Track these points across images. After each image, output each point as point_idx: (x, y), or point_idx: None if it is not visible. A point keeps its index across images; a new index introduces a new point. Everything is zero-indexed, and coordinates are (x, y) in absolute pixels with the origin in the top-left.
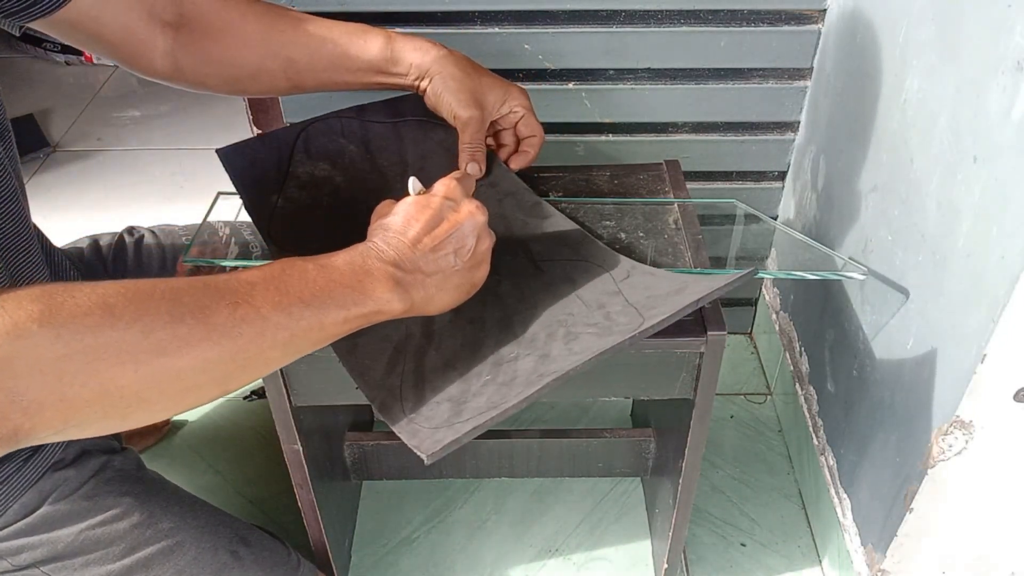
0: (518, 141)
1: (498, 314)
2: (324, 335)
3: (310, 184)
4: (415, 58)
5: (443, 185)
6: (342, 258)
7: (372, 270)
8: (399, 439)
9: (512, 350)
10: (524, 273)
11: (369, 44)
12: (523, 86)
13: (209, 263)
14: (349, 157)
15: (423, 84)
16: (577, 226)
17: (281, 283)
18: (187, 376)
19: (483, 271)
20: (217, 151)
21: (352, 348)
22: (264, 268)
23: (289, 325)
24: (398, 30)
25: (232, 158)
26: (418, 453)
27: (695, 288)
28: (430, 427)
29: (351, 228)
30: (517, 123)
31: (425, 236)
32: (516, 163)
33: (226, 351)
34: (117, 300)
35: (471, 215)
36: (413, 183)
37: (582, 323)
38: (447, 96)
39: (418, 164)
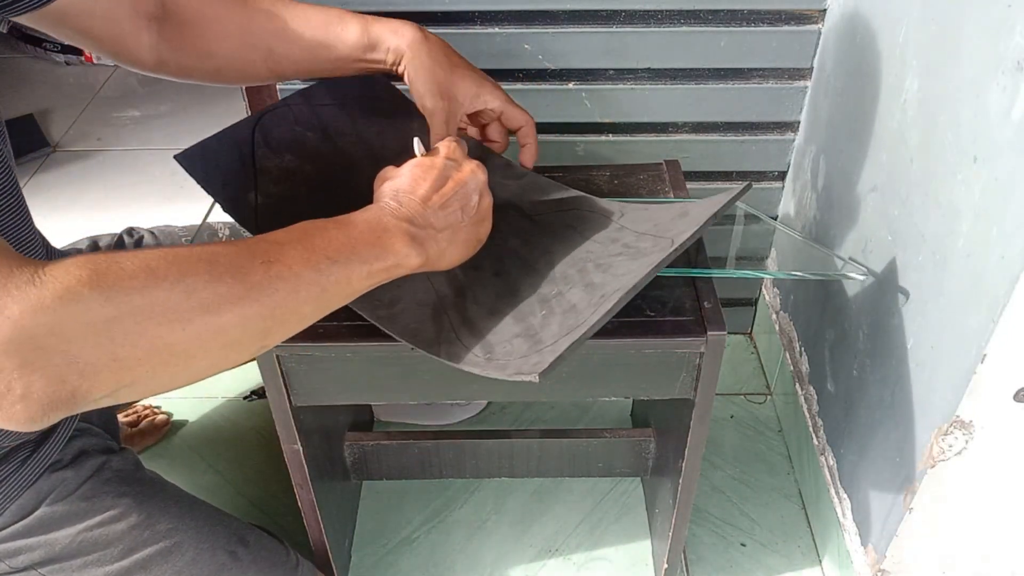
0: (506, 132)
1: (518, 264)
2: (351, 289)
3: (283, 177)
4: (392, 42)
5: (445, 146)
6: (360, 217)
7: (389, 227)
8: (399, 439)
9: (550, 288)
10: (525, 228)
11: (347, 31)
12: (523, 86)
13: None
14: (311, 144)
15: (400, 68)
16: (552, 180)
17: (308, 242)
18: (229, 332)
19: (487, 226)
20: (175, 157)
21: (392, 317)
22: (289, 230)
23: (319, 280)
24: None
25: (193, 161)
26: (521, 379)
27: (697, 210)
28: (517, 358)
29: (336, 211)
30: (499, 116)
31: (434, 194)
32: (526, 160)
33: (264, 307)
34: (159, 263)
35: (473, 173)
36: (418, 145)
37: (606, 255)
38: (417, 84)
39: (378, 142)
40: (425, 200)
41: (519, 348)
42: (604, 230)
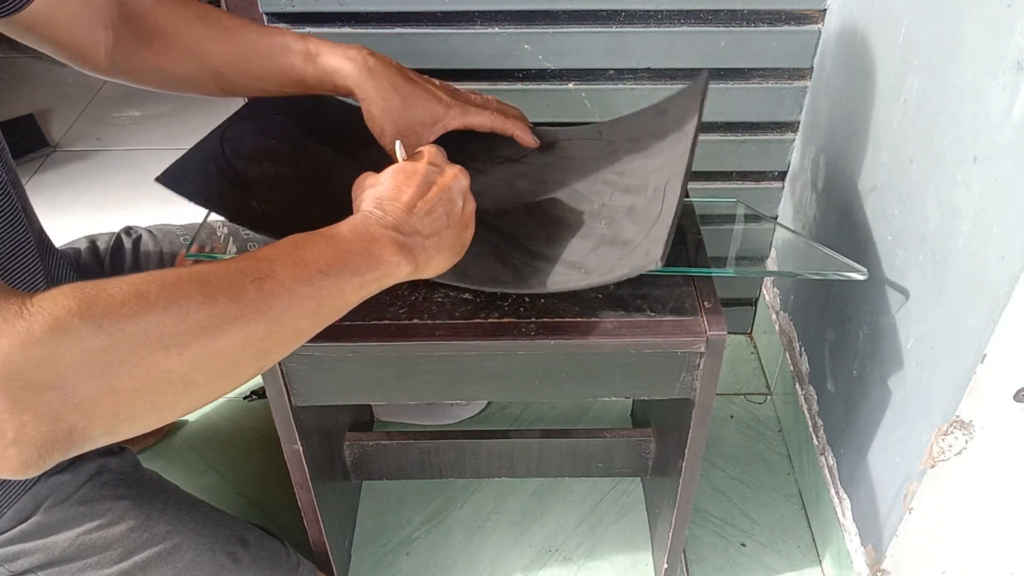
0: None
1: (541, 196)
2: (344, 302)
3: (274, 184)
4: (339, 78)
5: (427, 151)
6: (346, 227)
7: (377, 236)
8: (399, 439)
9: (590, 205)
10: (521, 170)
11: (288, 62)
12: (523, 86)
13: (211, 258)
14: (283, 151)
15: (355, 98)
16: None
17: (297, 257)
18: (228, 354)
19: (471, 231)
20: (157, 179)
21: (464, 273)
22: (277, 246)
23: (313, 295)
24: (398, 30)
25: (177, 180)
26: (642, 272)
27: (675, 107)
28: (616, 260)
29: (340, 210)
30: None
31: (418, 200)
32: (528, 142)
33: (261, 326)
34: (149, 288)
35: (456, 178)
36: (399, 148)
37: (619, 165)
38: (375, 123)
39: (344, 142)
40: (410, 207)
41: (610, 255)
42: (596, 149)
